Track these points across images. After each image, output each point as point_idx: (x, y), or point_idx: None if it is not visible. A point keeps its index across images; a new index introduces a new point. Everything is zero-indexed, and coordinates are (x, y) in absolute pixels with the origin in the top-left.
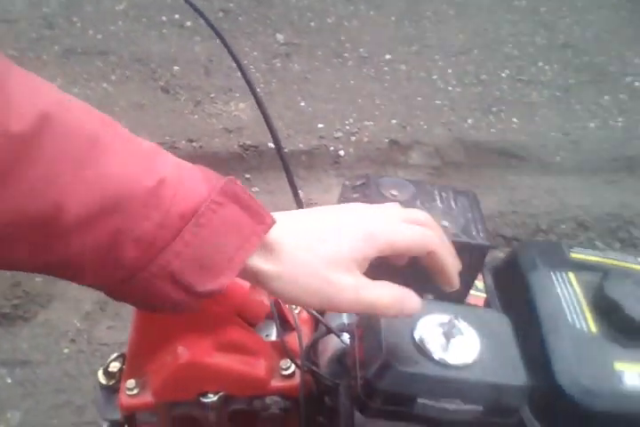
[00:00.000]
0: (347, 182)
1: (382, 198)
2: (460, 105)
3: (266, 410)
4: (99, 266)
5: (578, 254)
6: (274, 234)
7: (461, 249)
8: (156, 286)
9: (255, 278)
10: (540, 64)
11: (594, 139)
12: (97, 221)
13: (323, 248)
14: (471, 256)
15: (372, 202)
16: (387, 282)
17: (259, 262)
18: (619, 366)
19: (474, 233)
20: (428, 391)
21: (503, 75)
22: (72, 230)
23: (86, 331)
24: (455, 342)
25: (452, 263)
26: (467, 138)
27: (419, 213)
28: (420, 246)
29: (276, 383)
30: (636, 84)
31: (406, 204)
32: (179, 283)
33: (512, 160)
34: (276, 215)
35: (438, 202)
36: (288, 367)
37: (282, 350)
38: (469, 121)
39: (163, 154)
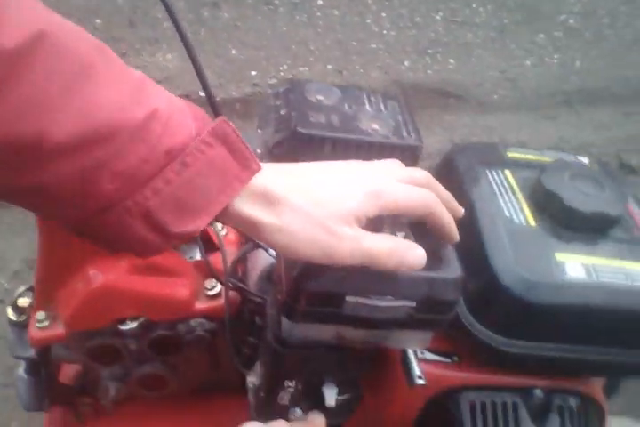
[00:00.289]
0: (269, 90)
1: (306, 103)
2: (396, 48)
3: (191, 333)
4: (72, 196)
5: (514, 153)
6: (273, 186)
7: (392, 150)
8: (128, 223)
9: (256, 231)
10: (474, 6)
11: (531, 76)
12: (80, 151)
13: (325, 202)
14: (403, 157)
15: (294, 107)
16: (389, 235)
17: (260, 215)
18: (560, 257)
19: (404, 134)
20: (356, 289)
21: (437, 17)
22: (53, 157)
23: (15, 291)
24: None
25: (450, 222)
26: (404, 80)
27: (419, 173)
28: (421, 208)
29: (200, 305)
30: (571, 21)
31: (333, 108)
32: (152, 222)
33: (450, 100)
34: (275, 166)
35: (367, 106)
36: (213, 287)
37: (206, 269)
38: (406, 63)
39: (154, 85)
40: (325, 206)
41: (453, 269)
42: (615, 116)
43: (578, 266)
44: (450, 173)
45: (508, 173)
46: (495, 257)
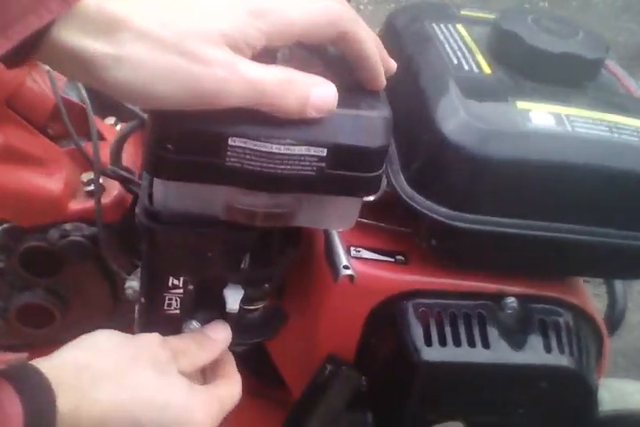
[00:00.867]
0: None
1: None
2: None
3: (64, 239)
4: None
5: (469, 12)
6: (111, 8)
7: None
8: None
9: (89, 67)
10: None
11: None
12: None
13: (185, 22)
14: None
15: None
16: (286, 67)
17: (92, 45)
18: (522, 105)
19: None
20: (243, 129)
21: None
22: None
23: None
24: None
25: (371, 49)
26: None
27: None
28: (325, 26)
29: (77, 205)
30: None
31: None
32: None
33: None
34: None
35: None
36: (92, 182)
37: (84, 161)
38: None
39: None
40: (186, 27)
41: (380, 108)
42: None
43: (546, 115)
44: (391, 34)
45: (460, 26)
46: (441, 109)
